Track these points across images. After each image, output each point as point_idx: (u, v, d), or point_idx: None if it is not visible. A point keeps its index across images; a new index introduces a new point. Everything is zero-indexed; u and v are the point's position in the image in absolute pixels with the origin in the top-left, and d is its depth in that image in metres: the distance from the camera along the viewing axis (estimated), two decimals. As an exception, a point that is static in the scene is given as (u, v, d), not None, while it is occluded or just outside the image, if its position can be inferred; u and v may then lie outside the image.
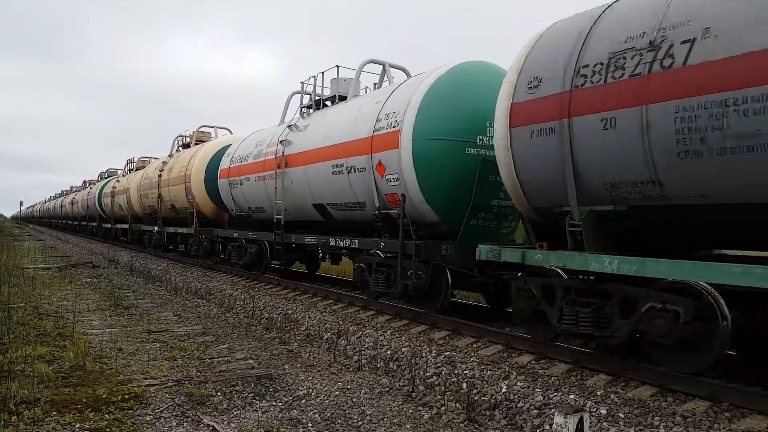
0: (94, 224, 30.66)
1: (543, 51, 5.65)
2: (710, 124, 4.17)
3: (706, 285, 4.43)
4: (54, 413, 4.55)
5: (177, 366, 6.21)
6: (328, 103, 10.68)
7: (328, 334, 7.61)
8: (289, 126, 10.73)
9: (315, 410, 4.96)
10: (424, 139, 7.19)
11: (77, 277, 14.44)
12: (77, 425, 4.35)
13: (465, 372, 5.54)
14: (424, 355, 6.14)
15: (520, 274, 5.95)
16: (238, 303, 10.33)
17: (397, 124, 7.39)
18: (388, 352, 6.51)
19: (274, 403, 5.12)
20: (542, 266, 5.57)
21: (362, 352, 6.78)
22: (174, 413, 4.74)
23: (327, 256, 11.25)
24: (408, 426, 4.67)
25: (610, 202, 5.05)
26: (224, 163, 13.65)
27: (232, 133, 17.06)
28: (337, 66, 10.24)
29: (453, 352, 6.10)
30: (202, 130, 18.14)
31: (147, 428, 4.41)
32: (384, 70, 9.77)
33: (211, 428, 4.46)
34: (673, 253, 4.73)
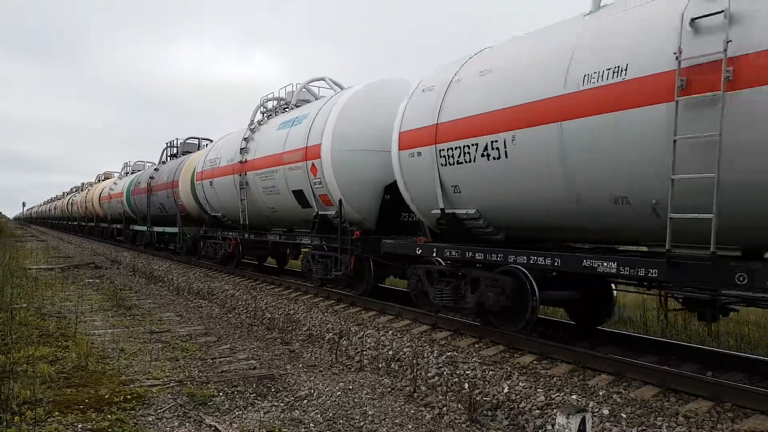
0: (65, 222, 47.02)
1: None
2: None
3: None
4: (56, 413, 4.56)
5: (179, 366, 6.22)
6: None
7: (330, 334, 7.61)
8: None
9: (317, 410, 4.96)
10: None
11: (79, 278, 14.47)
12: (79, 425, 4.36)
13: (467, 372, 5.54)
14: (425, 355, 6.14)
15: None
16: (240, 303, 10.34)
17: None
18: (390, 353, 6.51)
19: (276, 404, 5.12)
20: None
21: (364, 352, 6.77)
22: (176, 413, 4.74)
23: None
24: (410, 426, 4.66)
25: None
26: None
27: (115, 184, 26.10)
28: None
29: (455, 353, 6.10)
30: (105, 173, 34.40)
31: (149, 428, 4.41)
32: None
33: (213, 428, 4.46)
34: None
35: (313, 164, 9.37)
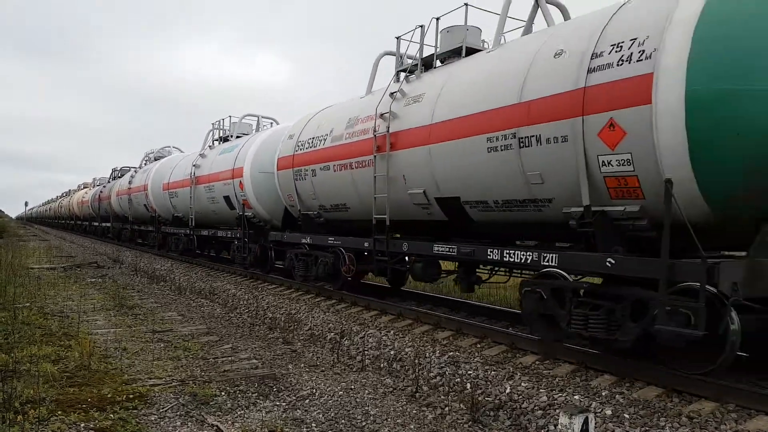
0: (57, 221, 58.27)
1: None
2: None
3: None
4: (59, 413, 4.56)
5: (181, 366, 6.22)
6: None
7: (332, 334, 7.61)
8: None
9: (319, 410, 4.96)
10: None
11: (82, 277, 14.49)
12: (82, 425, 4.36)
13: (469, 372, 5.53)
14: (427, 355, 6.13)
15: None
16: (242, 303, 10.34)
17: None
18: (392, 353, 6.50)
19: (278, 403, 5.12)
20: None
21: (366, 352, 6.77)
22: (178, 413, 4.75)
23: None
24: (412, 426, 4.66)
25: None
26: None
27: (86, 193, 36.61)
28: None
29: (457, 353, 6.09)
30: (84, 183, 43.32)
31: (152, 428, 4.42)
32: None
33: (215, 428, 4.46)
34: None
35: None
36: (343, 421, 4.73)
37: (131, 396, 5.00)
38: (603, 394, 4.74)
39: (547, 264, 5.63)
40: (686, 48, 4.30)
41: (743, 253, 4.80)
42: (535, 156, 5.49)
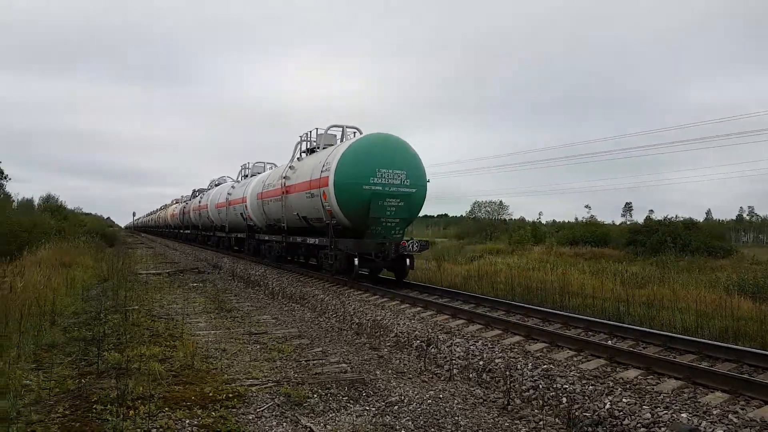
0: (156, 229, 67.86)
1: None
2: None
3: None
4: (166, 409, 4.87)
5: (276, 367, 6.45)
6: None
7: (418, 341, 7.59)
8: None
9: (408, 417, 4.94)
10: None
11: (185, 282, 15.48)
12: (187, 421, 4.63)
13: (564, 386, 5.30)
14: (519, 367, 5.95)
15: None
16: (329, 308, 10.59)
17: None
18: (481, 363, 6.38)
19: (367, 408, 5.17)
20: None
21: (453, 361, 6.69)
22: (274, 413, 4.92)
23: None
24: (504, 438, 4.52)
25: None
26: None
27: (175, 209, 46.47)
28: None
29: (551, 366, 5.86)
30: (175, 199, 52.31)
31: (249, 426, 4.61)
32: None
33: (308, 429, 4.57)
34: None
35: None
36: (432, 429, 4.68)
37: (230, 395, 5.25)
38: (714, 412, 4.37)
39: (318, 244, 14.24)
40: (335, 166, 12.54)
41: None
42: (315, 201, 13.56)
